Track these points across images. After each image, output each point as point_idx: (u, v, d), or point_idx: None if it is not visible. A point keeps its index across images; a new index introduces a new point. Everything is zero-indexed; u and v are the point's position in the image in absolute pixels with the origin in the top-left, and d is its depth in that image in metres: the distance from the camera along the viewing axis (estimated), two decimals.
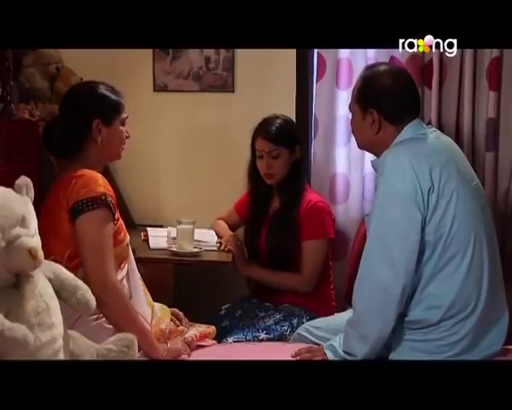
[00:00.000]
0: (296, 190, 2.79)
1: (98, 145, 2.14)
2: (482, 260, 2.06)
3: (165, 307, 2.36)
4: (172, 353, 2.14)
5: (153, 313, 2.24)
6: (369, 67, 2.31)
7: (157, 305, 2.31)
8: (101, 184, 2.03)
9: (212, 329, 2.42)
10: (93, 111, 2.14)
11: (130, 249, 2.23)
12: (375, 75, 2.21)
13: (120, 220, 2.15)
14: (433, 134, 2.19)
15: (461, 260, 2.04)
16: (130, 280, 2.16)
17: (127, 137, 2.25)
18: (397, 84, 2.18)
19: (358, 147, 2.36)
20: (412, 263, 2.02)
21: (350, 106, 2.28)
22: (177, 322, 2.37)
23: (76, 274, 1.76)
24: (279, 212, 2.83)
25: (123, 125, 2.22)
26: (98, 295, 1.79)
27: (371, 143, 2.21)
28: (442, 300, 2.04)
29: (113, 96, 2.19)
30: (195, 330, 2.34)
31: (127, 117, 2.23)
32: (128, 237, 2.20)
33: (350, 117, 2.32)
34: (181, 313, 2.42)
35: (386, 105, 2.15)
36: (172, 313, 2.38)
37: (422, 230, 2.02)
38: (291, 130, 2.85)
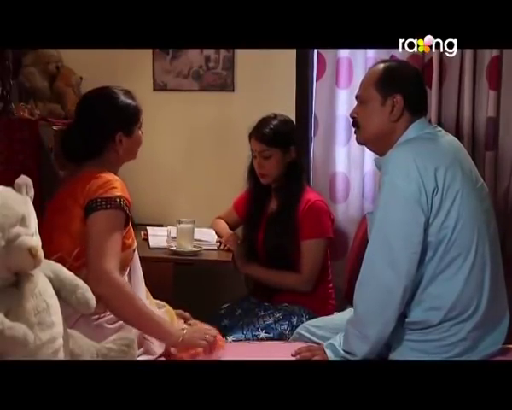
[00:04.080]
0: (293, 191, 2.79)
1: (119, 153, 2.16)
2: (484, 263, 2.05)
3: (170, 308, 2.35)
4: (187, 342, 2.05)
5: None
6: (386, 60, 2.34)
7: (161, 304, 2.30)
8: (118, 188, 2.04)
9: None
10: (116, 124, 2.14)
11: (137, 253, 2.22)
12: (399, 64, 2.32)
13: (130, 226, 2.15)
14: (439, 133, 2.17)
15: (462, 263, 2.03)
16: (133, 282, 2.15)
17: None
18: (420, 75, 2.29)
19: (360, 141, 2.28)
20: (414, 264, 2.01)
21: (360, 95, 2.23)
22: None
23: (81, 273, 1.75)
24: (276, 212, 2.83)
25: (140, 128, 2.23)
26: (95, 288, 1.76)
27: (381, 133, 2.16)
28: (442, 301, 2.03)
29: (132, 104, 2.18)
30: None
31: (143, 119, 2.24)
32: (135, 244, 2.19)
33: (352, 110, 2.28)
34: (187, 314, 2.39)
35: (412, 91, 2.16)
36: (178, 315, 2.37)
37: (425, 231, 2.00)
38: (285, 131, 2.82)
